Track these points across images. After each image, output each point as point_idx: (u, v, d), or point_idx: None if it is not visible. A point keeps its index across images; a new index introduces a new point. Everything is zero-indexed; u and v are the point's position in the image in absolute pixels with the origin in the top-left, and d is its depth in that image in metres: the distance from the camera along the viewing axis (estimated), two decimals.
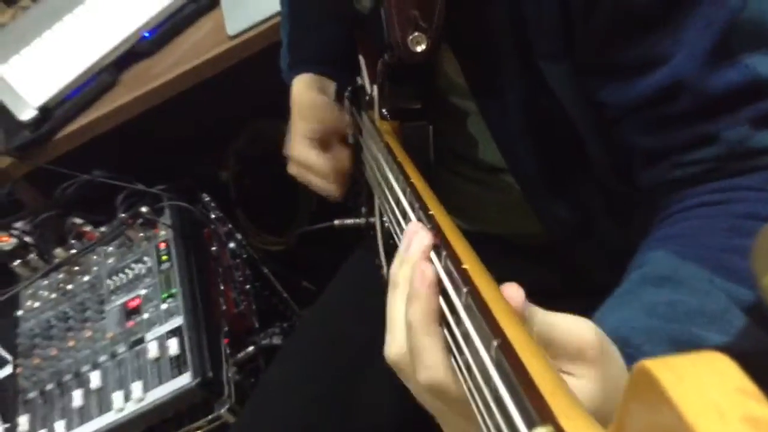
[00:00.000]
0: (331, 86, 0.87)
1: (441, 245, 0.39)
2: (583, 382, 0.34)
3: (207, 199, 1.28)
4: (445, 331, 0.37)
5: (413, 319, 0.37)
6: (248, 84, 1.30)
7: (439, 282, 0.38)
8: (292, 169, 0.85)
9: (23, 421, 0.99)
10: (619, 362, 0.38)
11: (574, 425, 0.24)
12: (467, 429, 0.38)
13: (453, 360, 0.36)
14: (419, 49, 0.57)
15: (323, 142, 0.83)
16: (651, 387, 0.19)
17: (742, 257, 0.45)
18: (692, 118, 0.52)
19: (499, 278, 0.36)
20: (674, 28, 0.50)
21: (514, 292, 0.35)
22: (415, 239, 0.41)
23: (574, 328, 0.35)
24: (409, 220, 0.47)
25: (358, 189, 0.87)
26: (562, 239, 0.72)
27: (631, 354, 0.41)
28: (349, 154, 0.82)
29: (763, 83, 0.50)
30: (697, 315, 0.45)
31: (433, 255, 0.40)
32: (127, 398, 0.95)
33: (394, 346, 0.40)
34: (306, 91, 0.86)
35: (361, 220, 0.88)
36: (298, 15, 0.92)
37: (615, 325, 0.44)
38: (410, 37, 0.57)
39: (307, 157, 0.82)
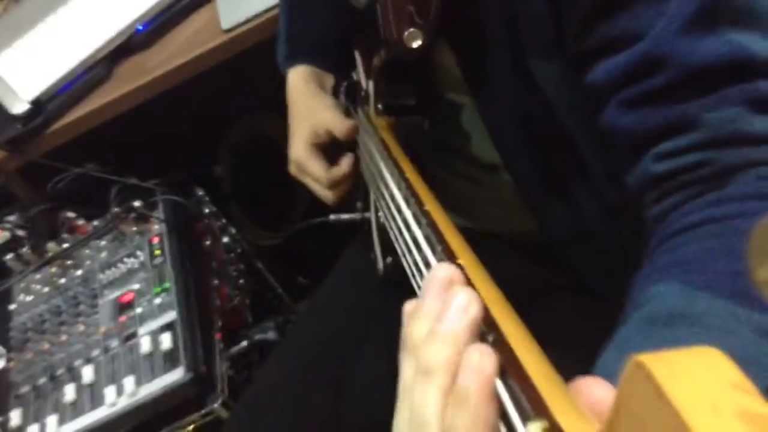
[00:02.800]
0: (329, 79, 0.87)
1: (432, 236, 0.38)
2: None
3: (201, 193, 1.28)
4: None
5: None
6: (243, 78, 1.29)
7: None
8: (293, 170, 0.85)
9: (15, 415, 0.99)
10: None
11: (568, 419, 0.25)
12: None
13: None
14: (415, 45, 0.57)
15: (325, 148, 0.83)
16: (646, 381, 0.19)
17: None
18: (670, 96, 0.48)
19: (494, 274, 0.36)
20: (657, 1, 0.48)
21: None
22: (454, 303, 0.32)
23: (589, 391, 0.28)
24: (404, 215, 0.47)
25: (353, 184, 0.87)
26: (558, 238, 0.72)
27: None
28: (350, 162, 0.81)
29: (751, 59, 0.46)
30: None
31: (426, 248, 0.40)
32: (119, 393, 0.95)
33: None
34: (304, 87, 0.85)
35: (356, 215, 0.88)
36: (295, 7, 0.92)
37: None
38: (406, 33, 0.57)
39: (305, 162, 0.82)
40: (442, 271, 0.34)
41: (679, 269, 0.44)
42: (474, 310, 0.31)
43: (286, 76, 0.89)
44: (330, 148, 0.83)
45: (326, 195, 0.83)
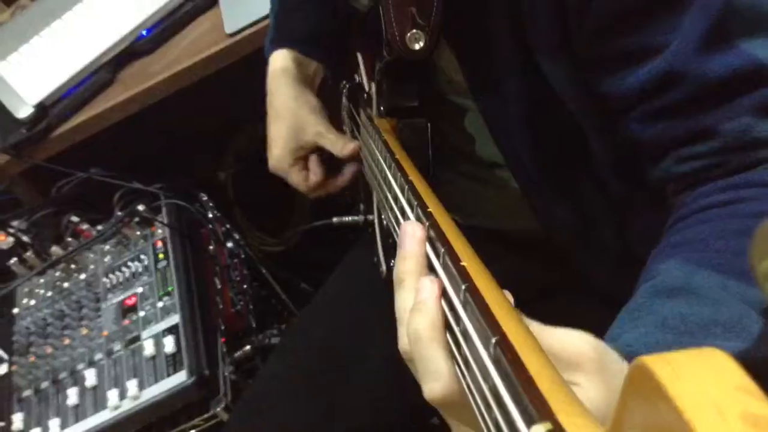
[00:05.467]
0: (311, 67, 0.87)
1: (436, 239, 0.39)
2: (583, 392, 0.34)
3: (205, 198, 1.28)
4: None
5: (419, 328, 0.37)
6: (247, 83, 1.29)
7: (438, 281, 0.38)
8: (272, 169, 0.87)
9: (18, 419, 0.99)
10: (624, 373, 0.36)
11: (572, 422, 0.24)
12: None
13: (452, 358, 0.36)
14: (417, 46, 0.57)
15: (305, 156, 0.85)
16: (649, 383, 0.19)
17: None
18: (690, 109, 0.51)
19: (498, 274, 0.36)
20: (671, 15, 0.50)
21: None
22: (408, 233, 0.42)
23: (567, 340, 0.35)
24: (408, 217, 0.47)
25: (356, 186, 0.87)
26: (561, 238, 0.72)
27: None
28: (323, 170, 0.85)
29: (762, 68, 0.49)
30: (710, 325, 0.43)
31: (430, 252, 0.40)
32: (122, 396, 0.95)
33: (403, 343, 0.40)
34: (282, 75, 0.85)
35: (359, 218, 0.88)
36: (286, 5, 0.91)
37: (628, 342, 0.43)
38: (408, 35, 0.57)
39: (288, 173, 0.85)
40: (405, 225, 0.43)
41: (684, 248, 0.49)
42: (419, 232, 0.42)
43: (268, 60, 0.88)
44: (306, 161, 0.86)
45: (311, 196, 0.88)
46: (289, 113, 0.84)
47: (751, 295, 0.44)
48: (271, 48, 0.88)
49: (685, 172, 0.54)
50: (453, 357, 0.36)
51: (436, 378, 0.36)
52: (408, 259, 0.41)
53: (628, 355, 0.37)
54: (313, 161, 0.85)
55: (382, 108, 0.68)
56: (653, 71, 0.51)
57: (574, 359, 0.34)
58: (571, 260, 0.74)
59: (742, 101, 0.50)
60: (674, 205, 0.55)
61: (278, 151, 0.84)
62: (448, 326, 0.36)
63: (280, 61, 0.86)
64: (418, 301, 0.38)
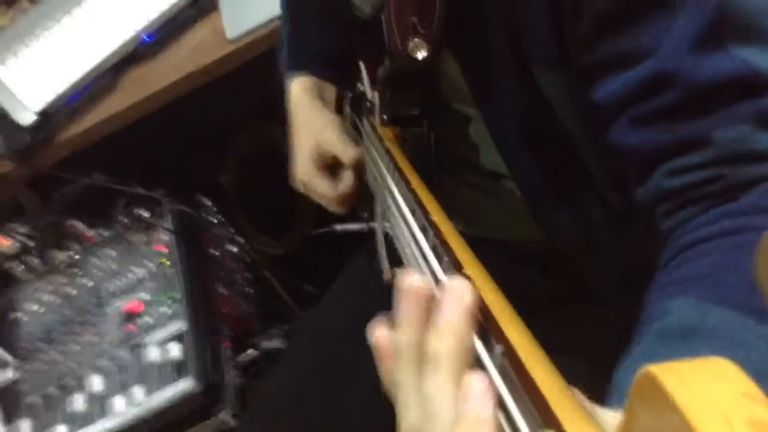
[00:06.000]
0: (331, 90, 0.87)
1: (439, 247, 0.38)
2: None
3: (207, 203, 1.28)
4: None
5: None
6: (248, 88, 1.30)
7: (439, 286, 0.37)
8: (299, 187, 0.84)
9: (24, 425, 0.99)
10: None
11: (577, 429, 0.24)
12: None
13: None
14: (419, 56, 0.57)
15: (329, 166, 0.82)
16: (656, 392, 0.19)
17: None
18: (681, 114, 0.48)
19: (502, 283, 0.36)
20: (663, 18, 0.48)
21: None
22: (451, 298, 0.33)
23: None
24: (410, 225, 0.47)
25: (359, 193, 0.87)
26: (565, 248, 0.72)
27: None
28: (351, 177, 0.81)
29: (757, 76, 0.46)
30: None
31: (432, 258, 0.40)
32: (128, 402, 0.95)
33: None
34: (304, 97, 0.85)
35: (362, 225, 0.88)
36: (298, 17, 0.92)
37: None
38: (410, 44, 0.57)
39: (311, 183, 0.81)
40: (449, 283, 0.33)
41: (692, 283, 0.44)
42: (467, 298, 0.32)
43: (288, 84, 0.89)
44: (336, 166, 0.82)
45: (335, 209, 0.82)
46: (310, 126, 0.83)
47: None
48: (288, 74, 0.88)
49: (675, 188, 0.50)
50: None
51: None
52: (449, 335, 0.32)
53: None
54: (345, 171, 0.83)
55: (384, 116, 0.68)
56: (644, 72, 0.49)
57: None
58: (576, 269, 0.74)
59: (738, 109, 0.47)
60: (669, 232, 0.51)
61: (301, 161, 0.83)
62: None
63: (298, 85, 0.87)
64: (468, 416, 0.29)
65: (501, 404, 0.29)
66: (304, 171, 0.82)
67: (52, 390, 1.01)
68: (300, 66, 0.88)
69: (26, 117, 1.17)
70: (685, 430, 0.18)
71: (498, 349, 0.30)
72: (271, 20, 1.10)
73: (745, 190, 0.47)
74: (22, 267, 1.16)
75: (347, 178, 0.79)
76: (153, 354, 0.98)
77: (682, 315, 0.42)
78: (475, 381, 0.29)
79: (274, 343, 1.21)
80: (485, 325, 0.32)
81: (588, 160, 0.62)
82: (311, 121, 0.83)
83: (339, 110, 0.85)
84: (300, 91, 0.86)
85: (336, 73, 0.87)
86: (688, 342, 0.40)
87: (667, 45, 0.48)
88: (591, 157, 0.62)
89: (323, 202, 0.83)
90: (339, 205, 0.81)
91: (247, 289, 1.26)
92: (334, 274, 0.97)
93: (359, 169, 0.80)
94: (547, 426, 0.25)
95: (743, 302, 0.40)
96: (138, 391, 0.95)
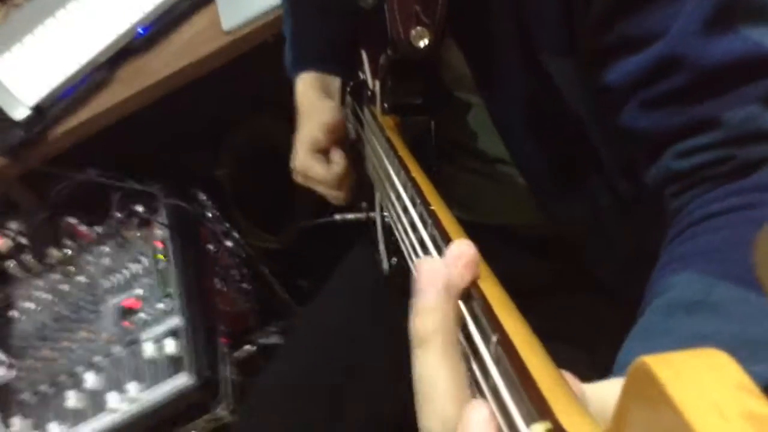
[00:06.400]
0: (335, 83, 0.87)
1: (438, 237, 0.38)
2: None
3: (203, 197, 1.28)
4: None
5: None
6: (244, 81, 1.29)
7: None
8: (298, 179, 0.85)
9: (17, 422, 0.99)
10: None
11: (572, 421, 0.24)
12: None
13: None
14: (422, 44, 0.57)
15: (326, 151, 0.82)
16: (650, 384, 0.19)
17: None
18: (691, 96, 0.49)
19: (502, 271, 0.36)
20: (673, 0, 0.48)
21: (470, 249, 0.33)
22: (424, 280, 0.34)
23: (612, 391, 0.28)
24: (410, 215, 0.47)
25: (359, 183, 0.86)
26: (568, 234, 0.72)
27: None
28: (351, 159, 0.81)
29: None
30: (736, 348, 0.38)
31: (431, 248, 0.40)
32: (123, 399, 0.95)
33: (437, 419, 0.31)
34: (308, 93, 0.85)
35: (361, 215, 0.88)
36: (299, 10, 0.92)
37: None
38: (412, 32, 0.57)
39: (309, 168, 0.81)
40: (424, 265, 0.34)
41: (698, 258, 0.45)
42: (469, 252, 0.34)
43: (294, 81, 0.89)
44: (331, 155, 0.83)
45: (336, 196, 0.83)
46: (308, 116, 0.84)
47: None
48: (293, 70, 0.89)
49: (684, 169, 0.50)
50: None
51: None
52: (431, 312, 0.33)
53: None
54: (335, 151, 0.83)
55: (386, 105, 0.68)
56: (653, 55, 0.49)
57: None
58: (579, 256, 0.74)
59: (748, 90, 0.47)
60: (676, 211, 0.52)
61: (297, 151, 0.83)
62: None
63: (302, 82, 0.87)
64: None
65: (496, 395, 0.28)
66: (299, 158, 0.82)
67: (46, 387, 1.01)
68: (304, 62, 0.88)
69: (20, 112, 1.16)
70: (679, 423, 0.17)
71: (494, 338, 0.29)
72: (268, 11, 1.10)
73: (755, 168, 0.48)
74: (16, 264, 1.16)
75: (337, 156, 0.80)
76: (149, 350, 0.98)
77: (687, 290, 0.43)
78: (475, 414, 0.28)
79: (270, 339, 1.21)
80: (481, 315, 0.31)
81: (597, 145, 0.62)
82: (310, 112, 0.83)
83: (344, 101, 0.86)
84: (303, 88, 0.86)
85: (339, 65, 0.87)
86: (692, 316, 0.40)
87: (676, 28, 0.48)
88: (600, 141, 0.62)
89: (322, 190, 0.83)
90: (337, 190, 0.82)
91: (243, 285, 1.26)
92: (331, 269, 0.97)
93: (343, 138, 0.80)
94: (542, 417, 0.25)
95: (747, 278, 0.40)
96: (134, 388, 0.95)
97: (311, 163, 0.81)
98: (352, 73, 0.84)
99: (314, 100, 0.85)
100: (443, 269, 0.34)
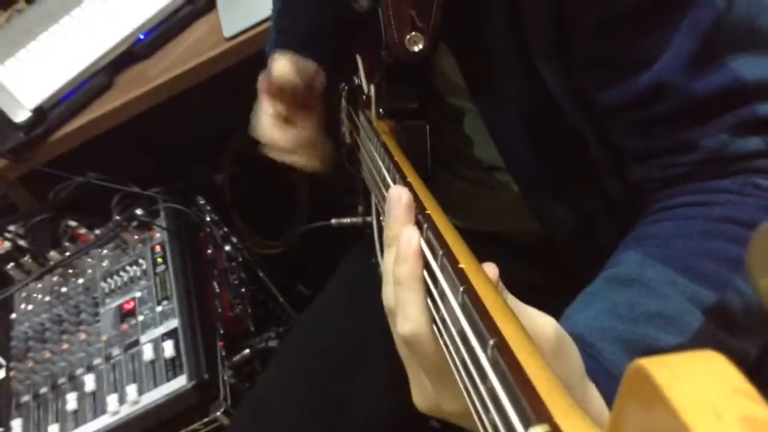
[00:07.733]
0: (309, 64, 0.86)
1: (434, 240, 0.39)
2: None
3: (202, 201, 1.28)
4: (442, 330, 0.37)
5: (400, 278, 0.40)
6: (244, 86, 1.29)
7: (435, 280, 0.38)
8: (266, 151, 0.83)
9: (16, 425, 0.98)
10: (575, 360, 0.38)
11: (570, 424, 0.24)
12: (434, 390, 0.40)
13: (450, 360, 0.36)
14: (416, 48, 0.58)
15: (287, 117, 0.81)
16: (646, 386, 0.19)
17: (712, 260, 0.49)
18: (674, 124, 0.54)
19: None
20: (663, 29, 0.51)
21: (490, 271, 0.37)
22: (394, 199, 0.43)
23: (534, 320, 0.36)
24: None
25: (355, 187, 0.86)
26: (560, 239, 0.72)
27: (587, 351, 0.43)
28: (313, 118, 0.80)
29: (745, 87, 0.51)
30: (654, 317, 0.46)
31: (428, 253, 0.40)
32: (121, 401, 0.95)
33: (386, 296, 0.43)
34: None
35: (358, 219, 0.88)
36: (287, 7, 0.91)
37: (576, 322, 0.47)
38: (407, 37, 0.57)
39: (270, 136, 0.80)
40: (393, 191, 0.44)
41: (646, 242, 0.53)
42: (405, 198, 0.43)
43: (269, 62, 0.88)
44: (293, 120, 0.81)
45: (307, 164, 0.81)
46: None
47: (698, 294, 0.48)
48: (270, 51, 0.88)
49: (666, 176, 0.56)
50: (451, 358, 0.36)
51: (409, 319, 0.39)
52: (395, 225, 0.43)
53: (572, 334, 0.39)
54: (300, 117, 0.81)
55: (381, 110, 0.68)
56: (642, 83, 0.53)
57: (534, 338, 0.34)
58: (570, 261, 0.74)
59: (724, 119, 0.52)
60: (650, 202, 0.57)
61: (263, 118, 0.82)
62: (445, 327, 0.36)
63: (274, 60, 0.86)
64: (399, 251, 0.40)
65: (494, 398, 0.29)
66: (260, 128, 0.81)
67: (44, 389, 1.01)
68: (282, 44, 0.87)
69: (20, 114, 1.17)
70: (676, 424, 0.17)
71: (491, 342, 0.30)
72: (269, 18, 1.10)
73: (716, 177, 0.54)
74: (15, 266, 1.16)
75: (302, 121, 0.80)
76: (147, 353, 0.98)
77: (629, 266, 0.51)
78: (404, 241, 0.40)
79: (268, 343, 1.21)
80: (478, 318, 0.32)
81: (590, 149, 0.63)
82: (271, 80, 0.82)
83: (314, 85, 0.84)
84: (272, 63, 0.85)
85: (317, 52, 0.86)
86: (627, 289, 0.49)
87: (665, 59, 0.52)
88: (593, 145, 0.63)
89: (295, 161, 0.81)
90: (305, 155, 0.80)
91: (241, 289, 1.26)
92: (328, 275, 0.97)
93: (310, 104, 0.79)
94: (539, 420, 0.25)
95: (680, 264, 0.49)
96: (131, 390, 0.95)
97: (270, 130, 0.80)
98: (326, 60, 0.83)
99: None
100: (405, 191, 0.44)
